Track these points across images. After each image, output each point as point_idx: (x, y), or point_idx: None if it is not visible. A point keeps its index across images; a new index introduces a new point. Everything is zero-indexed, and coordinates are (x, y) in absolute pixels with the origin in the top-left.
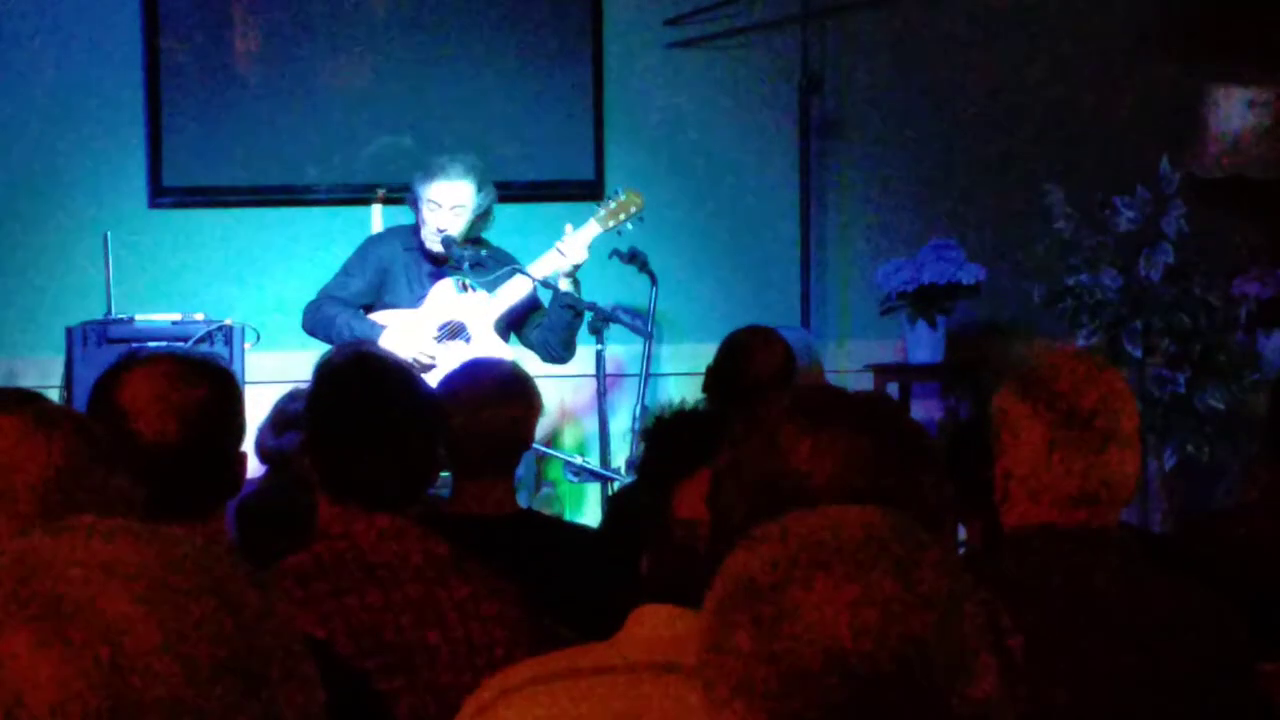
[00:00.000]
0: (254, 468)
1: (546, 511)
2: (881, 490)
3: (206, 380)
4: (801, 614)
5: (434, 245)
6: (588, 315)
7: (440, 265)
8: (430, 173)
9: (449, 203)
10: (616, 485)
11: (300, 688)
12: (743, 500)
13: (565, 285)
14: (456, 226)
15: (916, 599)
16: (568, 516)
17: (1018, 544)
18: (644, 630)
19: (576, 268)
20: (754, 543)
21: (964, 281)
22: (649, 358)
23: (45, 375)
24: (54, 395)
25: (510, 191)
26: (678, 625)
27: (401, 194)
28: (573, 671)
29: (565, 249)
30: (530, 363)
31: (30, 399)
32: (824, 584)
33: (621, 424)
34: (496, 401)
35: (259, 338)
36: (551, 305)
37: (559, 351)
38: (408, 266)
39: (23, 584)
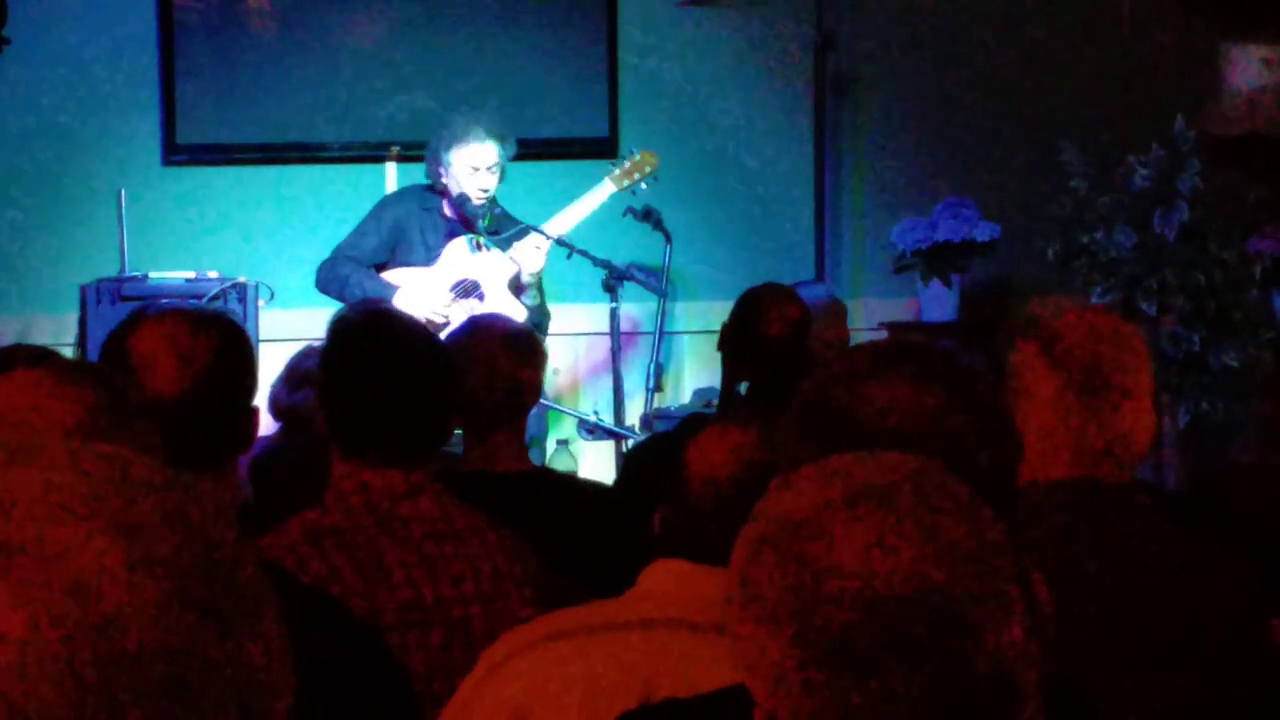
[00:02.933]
0: (268, 424)
1: (560, 469)
2: (940, 442)
3: (216, 333)
4: (833, 554)
5: (479, 205)
6: (601, 272)
7: (457, 224)
8: (462, 136)
9: (486, 163)
10: (630, 443)
11: (266, 629)
12: (813, 439)
13: (528, 297)
14: (495, 185)
15: (949, 546)
16: (581, 474)
17: (1030, 499)
18: (657, 586)
19: (535, 276)
20: (791, 482)
21: (979, 239)
22: (663, 315)
23: (60, 333)
24: (68, 352)
25: (525, 149)
26: (691, 581)
27: (417, 152)
28: (586, 628)
29: (517, 256)
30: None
31: (45, 355)
32: (857, 525)
33: (636, 382)
34: (500, 356)
35: (273, 295)
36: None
37: None
38: (423, 226)
39: None
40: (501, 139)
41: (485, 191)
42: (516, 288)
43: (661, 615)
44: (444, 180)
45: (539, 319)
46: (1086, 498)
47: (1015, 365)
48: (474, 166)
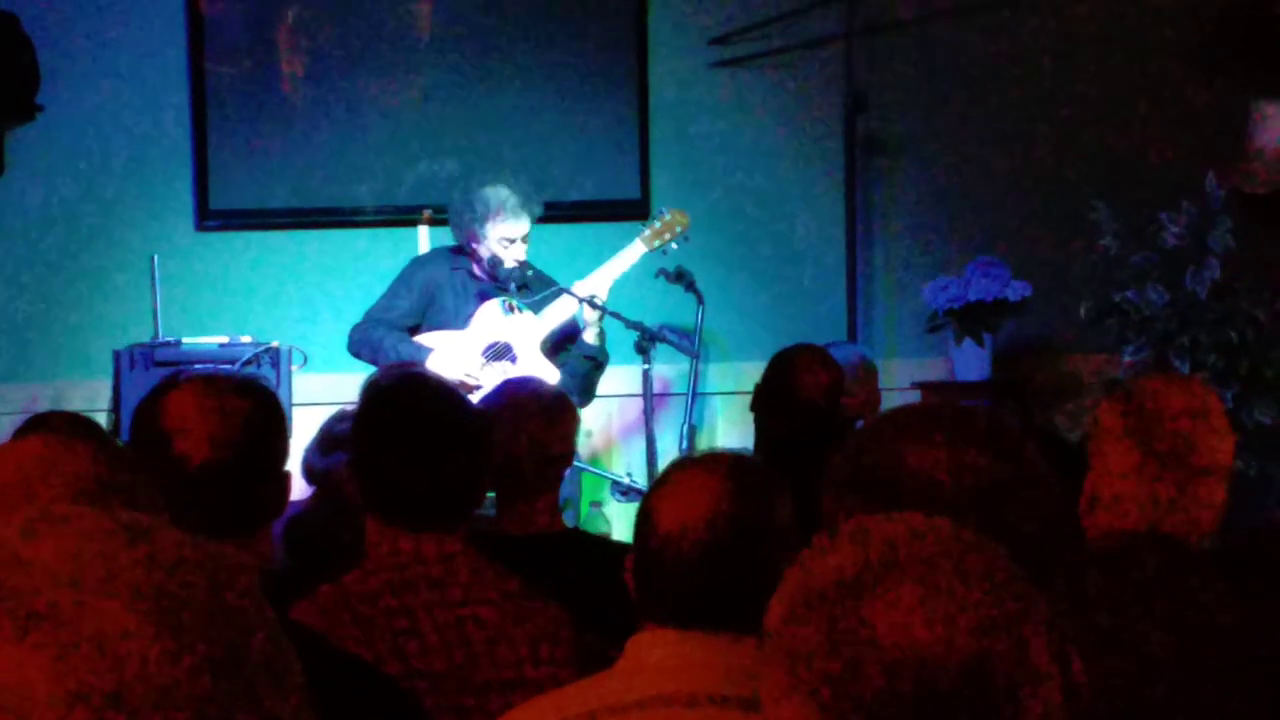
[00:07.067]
0: (301, 489)
1: (594, 531)
2: (982, 505)
3: (248, 399)
4: (874, 620)
5: (511, 269)
6: (633, 334)
7: (488, 285)
8: (498, 211)
9: (521, 234)
10: None
11: (292, 697)
12: (851, 499)
13: (590, 337)
14: (525, 252)
15: (988, 617)
16: (615, 536)
17: (1097, 551)
18: (649, 658)
19: (601, 312)
20: (833, 544)
21: (1010, 298)
22: (696, 377)
23: (93, 398)
24: (102, 418)
25: (557, 211)
26: (680, 651)
27: (448, 215)
28: (585, 714)
29: (582, 291)
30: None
31: (77, 420)
32: (899, 593)
33: (668, 443)
34: (534, 419)
35: (306, 360)
36: (573, 352)
37: (575, 397)
38: (455, 287)
39: (8, 590)
40: (532, 211)
41: (519, 260)
42: (568, 333)
43: (656, 692)
44: (475, 246)
45: (603, 360)
46: (1148, 552)
47: (1097, 424)
48: (509, 239)
